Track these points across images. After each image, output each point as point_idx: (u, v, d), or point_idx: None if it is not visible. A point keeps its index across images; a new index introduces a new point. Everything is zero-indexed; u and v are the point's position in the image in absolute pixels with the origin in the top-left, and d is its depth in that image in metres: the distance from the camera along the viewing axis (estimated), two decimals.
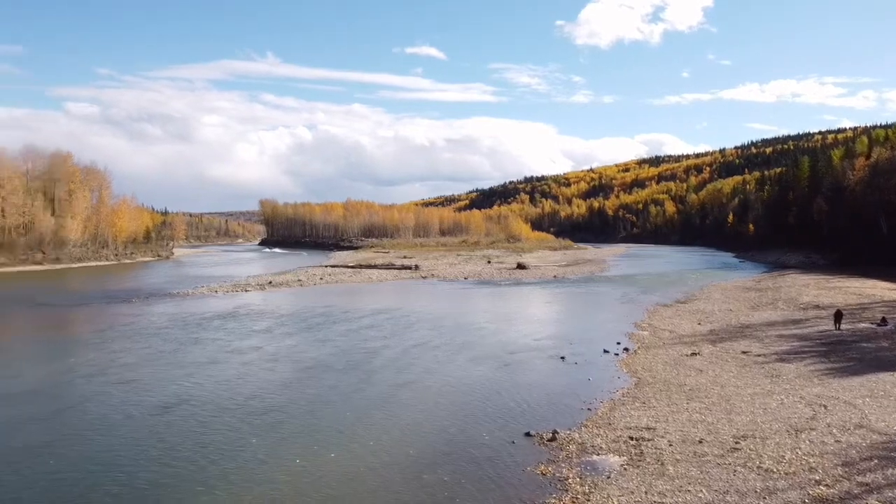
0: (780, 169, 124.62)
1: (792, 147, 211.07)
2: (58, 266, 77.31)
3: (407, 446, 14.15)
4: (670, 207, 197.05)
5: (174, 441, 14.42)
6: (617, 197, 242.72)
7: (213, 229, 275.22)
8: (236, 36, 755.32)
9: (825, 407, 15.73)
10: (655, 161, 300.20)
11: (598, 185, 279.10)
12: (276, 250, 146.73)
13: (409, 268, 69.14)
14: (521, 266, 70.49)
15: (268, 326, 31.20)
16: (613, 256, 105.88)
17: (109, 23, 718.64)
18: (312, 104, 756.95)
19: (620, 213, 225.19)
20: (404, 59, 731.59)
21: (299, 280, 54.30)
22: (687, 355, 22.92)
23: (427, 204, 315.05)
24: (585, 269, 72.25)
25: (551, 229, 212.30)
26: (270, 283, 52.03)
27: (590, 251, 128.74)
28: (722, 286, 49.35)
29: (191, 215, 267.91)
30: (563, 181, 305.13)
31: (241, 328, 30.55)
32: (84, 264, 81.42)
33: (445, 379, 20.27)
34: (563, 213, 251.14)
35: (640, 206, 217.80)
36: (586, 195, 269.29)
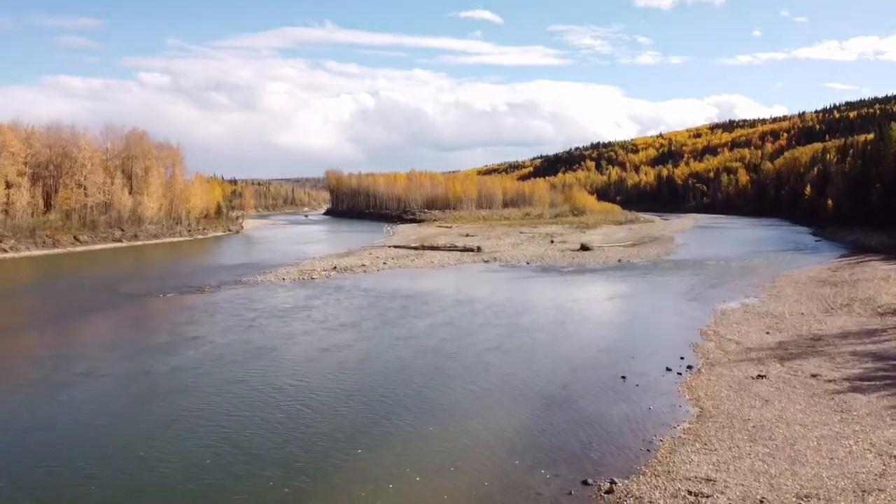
0: (863, 136, 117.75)
1: (878, 111, 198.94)
2: (136, 243, 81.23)
3: (476, 471, 15.62)
4: (743, 177, 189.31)
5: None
6: (687, 165, 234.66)
7: (280, 198, 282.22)
8: (294, 3, 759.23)
9: None
10: (729, 126, 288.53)
11: (668, 151, 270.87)
12: (336, 223, 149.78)
13: (471, 249, 69.33)
14: (584, 247, 69.75)
15: (346, 321, 33.28)
16: (682, 233, 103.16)
17: None
18: (374, 70, 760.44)
19: (690, 182, 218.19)
20: (460, 22, 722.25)
21: (363, 265, 55.23)
22: (753, 377, 22.39)
23: (490, 171, 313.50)
24: (652, 250, 70.76)
25: (618, 198, 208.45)
26: (335, 268, 53.13)
27: (657, 224, 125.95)
28: (795, 277, 47.59)
29: (258, 183, 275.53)
30: (631, 147, 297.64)
31: (323, 320, 33.64)
32: (160, 240, 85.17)
33: (506, 397, 20.76)
34: (630, 182, 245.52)
35: (712, 174, 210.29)
36: (655, 162, 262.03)
